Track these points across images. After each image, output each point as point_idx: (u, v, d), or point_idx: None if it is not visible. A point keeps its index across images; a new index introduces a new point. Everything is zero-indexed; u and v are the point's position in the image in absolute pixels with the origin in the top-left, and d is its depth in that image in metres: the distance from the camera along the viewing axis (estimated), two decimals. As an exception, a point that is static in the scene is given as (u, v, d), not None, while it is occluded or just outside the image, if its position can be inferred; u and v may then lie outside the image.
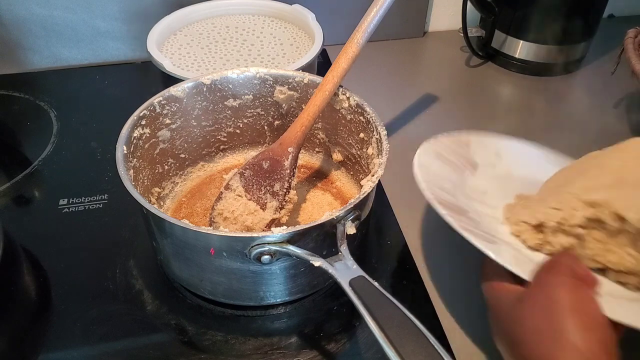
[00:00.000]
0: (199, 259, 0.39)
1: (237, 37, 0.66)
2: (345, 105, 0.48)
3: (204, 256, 0.38)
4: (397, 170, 0.59)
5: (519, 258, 0.39)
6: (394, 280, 0.47)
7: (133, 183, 0.40)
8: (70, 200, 0.53)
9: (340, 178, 0.54)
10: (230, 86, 0.50)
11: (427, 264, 0.49)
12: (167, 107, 0.47)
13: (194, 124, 0.51)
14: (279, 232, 0.35)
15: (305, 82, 0.50)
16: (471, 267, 0.49)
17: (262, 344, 0.41)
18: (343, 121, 0.49)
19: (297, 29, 0.68)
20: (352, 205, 0.37)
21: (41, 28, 0.71)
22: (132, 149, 0.43)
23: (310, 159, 0.56)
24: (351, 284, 0.33)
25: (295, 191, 0.47)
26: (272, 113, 0.53)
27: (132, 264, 0.47)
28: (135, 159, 0.44)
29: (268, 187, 0.46)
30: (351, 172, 0.53)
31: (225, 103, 0.51)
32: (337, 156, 0.53)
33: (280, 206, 0.46)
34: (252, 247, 0.35)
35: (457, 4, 0.75)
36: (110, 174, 0.56)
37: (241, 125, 0.54)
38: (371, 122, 0.45)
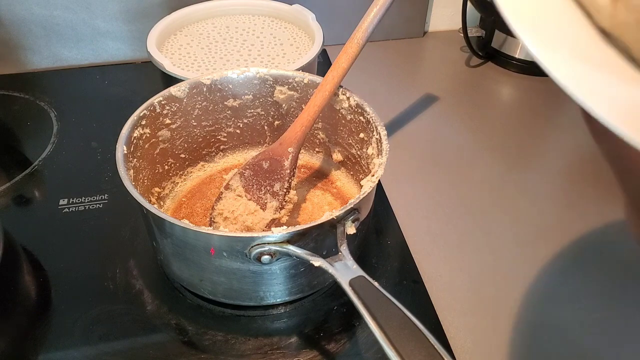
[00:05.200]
0: (199, 259, 0.39)
1: (237, 37, 0.66)
2: (345, 105, 0.48)
3: (204, 256, 0.38)
4: (397, 170, 0.59)
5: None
6: (394, 280, 0.47)
7: (133, 183, 0.40)
8: (70, 200, 0.53)
9: (340, 178, 0.54)
10: (230, 86, 0.50)
11: (427, 264, 0.49)
12: (167, 107, 0.47)
13: (194, 124, 0.51)
14: (279, 232, 0.35)
15: (305, 82, 0.50)
16: (471, 267, 0.49)
17: (262, 344, 0.41)
18: (343, 121, 0.49)
19: (297, 29, 0.68)
20: (352, 205, 0.37)
21: (41, 28, 0.71)
22: (132, 149, 0.43)
23: (310, 159, 0.56)
24: (351, 284, 0.33)
25: (295, 191, 0.47)
26: (272, 113, 0.53)
27: (132, 264, 0.47)
28: (135, 159, 0.44)
29: (268, 187, 0.46)
30: (351, 172, 0.53)
31: (225, 103, 0.51)
32: (337, 156, 0.53)
33: (280, 206, 0.46)
34: (252, 247, 0.35)
35: (457, 4, 0.75)
36: (110, 174, 0.56)
37: (241, 125, 0.54)
38: (371, 122, 0.45)
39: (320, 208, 0.51)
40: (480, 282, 0.48)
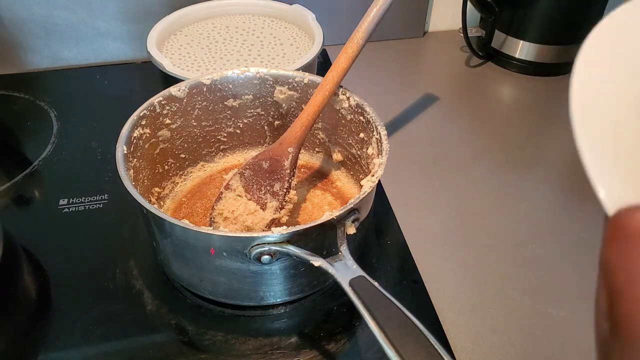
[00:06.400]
0: (199, 259, 0.39)
1: (237, 37, 0.66)
2: (345, 105, 0.48)
3: (204, 256, 0.38)
4: (397, 170, 0.59)
5: None
6: (394, 280, 0.47)
7: (133, 183, 0.40)
8: (70, 200, 0.53)
9: (340, 178, 0.54)
10: (230, 86, 0.50)
11: (427, 264, 0.49)
12: (167, 107, 0.47)
13: (194, 124, 0.51)
14: (279, 232, 0.35)
15: (305, 82, 0.50)
16: (471, 267, 0.49)
17: (262, 344, 0.41)
18: (343, 121, 0.49)
19: (297, 29, 0.68)
20: (352, 205, 0.37)
21: (41, 28, 0.71)
22: (132, 149, 0.43)
23: (310, 159, 0.56)
24: (351, 284, 0.33)
25: (295, 191, 0.47)
26: (272, 113, 0.53)
27: (132, 264, 0.47)
28: (135, 159, 0.44)
29: (268, 187, 0.46)
30: (351, 172, 0.53)
31: (225, 103, 0.51)
32: (337, 156, 0.53)
33: (280, 206, 0.46)
34: (252, 247, 0.35)
35: (457, 4, 0.75)
36: (110, 174, 0.56)
37: (241, 125, 0.54)
38: (371, 122, 0.45)
39: (320, 208, 0.51)
40: (480, 282, 0.48)
